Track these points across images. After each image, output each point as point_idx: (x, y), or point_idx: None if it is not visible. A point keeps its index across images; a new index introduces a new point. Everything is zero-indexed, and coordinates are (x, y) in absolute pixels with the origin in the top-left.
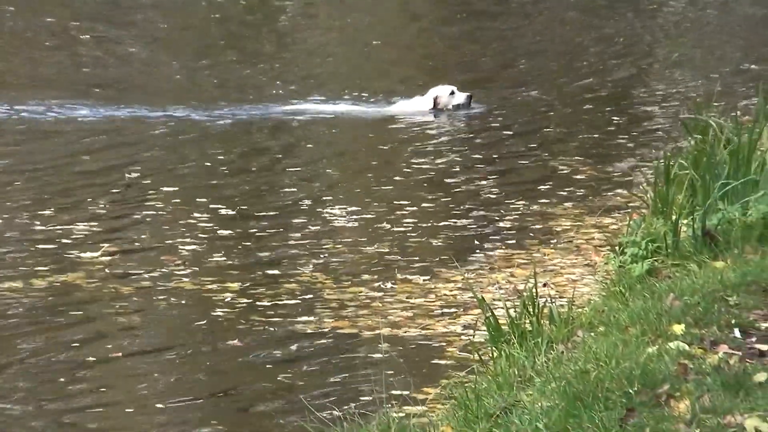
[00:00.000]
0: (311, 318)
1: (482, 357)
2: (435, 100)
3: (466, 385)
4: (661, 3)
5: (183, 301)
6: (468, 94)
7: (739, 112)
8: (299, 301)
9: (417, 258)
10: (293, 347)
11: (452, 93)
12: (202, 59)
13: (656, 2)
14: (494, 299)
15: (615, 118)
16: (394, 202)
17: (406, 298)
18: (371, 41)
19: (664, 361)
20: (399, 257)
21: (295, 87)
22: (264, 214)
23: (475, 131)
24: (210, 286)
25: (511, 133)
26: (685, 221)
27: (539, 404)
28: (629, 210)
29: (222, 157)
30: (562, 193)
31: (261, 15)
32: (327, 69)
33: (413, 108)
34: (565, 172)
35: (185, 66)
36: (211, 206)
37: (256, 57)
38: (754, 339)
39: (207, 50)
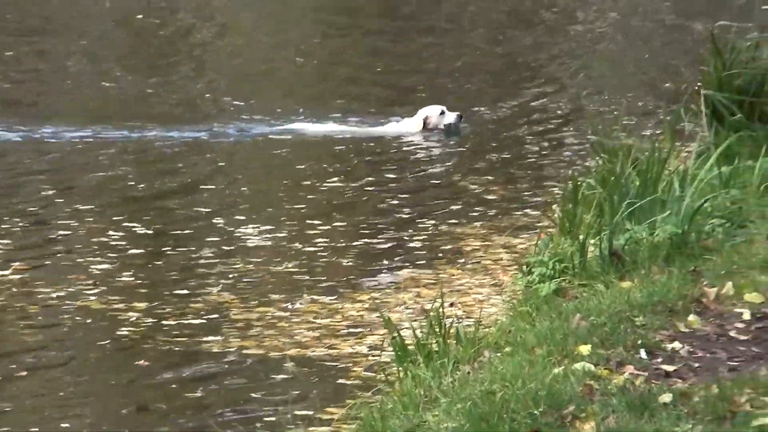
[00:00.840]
0: (217, 338)
1: (388, 377)
2: (425, 120)
3: (372, 405)
4: (570, 19)
5: (89, 320)
6: (458, 113)
7: (648, 132)
8: (205, 321)
9: (325, 278)
10: (199, 367)
11: (442, 113)
12: (129, 76)
13: (565, 19)
14: (401, 319)
15: (526, 137)
16: (307, 221)
17: (313, 318)
18: (294, 58)
19: (569, 381)
20: (307, 277)
21: (231, 105)
22: (177, 233)
23: (388, 151)
24: (117, 305)
25: (423, 153)
26: (592, 241)
27: (445, 425)
28: (537, 230)
29: (140, 177)
30: (472, 213)
31: (176, 33)
32: (260, 87)
33: (402, 129)
34: (476, 191)
35: (113, 82)
36: (124, 225)
37: (176, 75)
38: (660, 360)
39: (130, 66)
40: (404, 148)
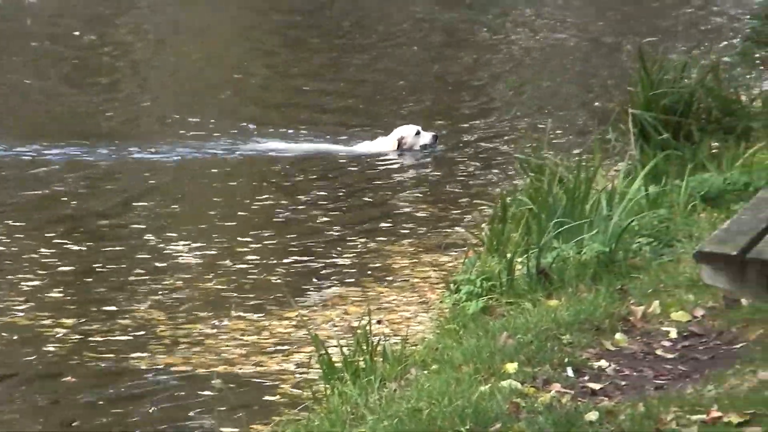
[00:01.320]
0: (144, 355)
1: (315, 394)
2: (400, 141)
3: (299, 422)
4: (503, 38)
5: (15, 337)
6: (434, 133)
7: (578, 150)
8: (132, 338)
9: (253, 295)
10: (125, 384)
11: (418, 133)
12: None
13: (499, 38)
14: (328, 337)
15: (457, 155)
16: (239, 239)
17: (240, 335)
18: (233, 76)
19: (496, 399)
20: (235, 294)
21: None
22: (109, 250)
23: (320, 168)
24: (44, 322)
25: (355, 169)
26: (519, 259)
27: None
28: (466, 248)
29: (76, 194)
30: (401, 230)
31: (115, 50)
32: (204, 105)
33: (375, 149)
34: (406, 209)
35: (52, 99)
36: (56, 242)
37: (117, 92)
38: (586, 377)
39: (70, 83)
40: (344, 168)
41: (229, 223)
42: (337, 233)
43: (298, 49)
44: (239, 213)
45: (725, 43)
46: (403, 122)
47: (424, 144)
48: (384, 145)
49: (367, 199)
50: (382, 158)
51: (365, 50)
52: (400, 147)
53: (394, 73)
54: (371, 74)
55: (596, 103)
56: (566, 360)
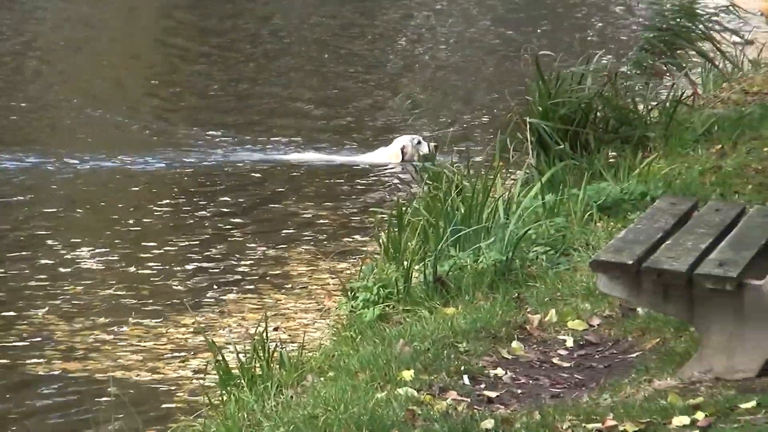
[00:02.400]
0: (41, 360)
1: (212, 401)
2: (402, 150)
3: (195, 428)
4: (406, 42)
5: None
6: (435, 144)
7: (477, 158)
8: (29, 343)
9: (152, 301)
10: (21, 389)
11: (419, 142)
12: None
13: (397, 42)
14: (225, 343)
15: (356, 161)
16: (142, 244)
17: (138, 341)
18: (149, 81)
19: (392, 407)
20: (135, 300)
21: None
22: (10, 255)
23: (229, 173)
24: None
25: (258, 175)
26: (417, 267)
27: None
28: (363, 255)
29: None
30: (300, 237)
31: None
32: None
33: (378, 160)
34: (305, 216)
35: None
36: None
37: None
38: (482, 386)
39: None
40: (249, 176)
41: (134, 229)
42: (238, 240)
43: (184, 53)
44: (145, 220)
45: (626, 53)
46: (300, 127)
47: (425, 154)
48: (387, 156)
49: (270, 206)
50: (285, 166)
51: (262, 60)
52: (403, 158)
53: (288, 74)
54: (265, 79)
55: (495, 111)
56: (463, 368)
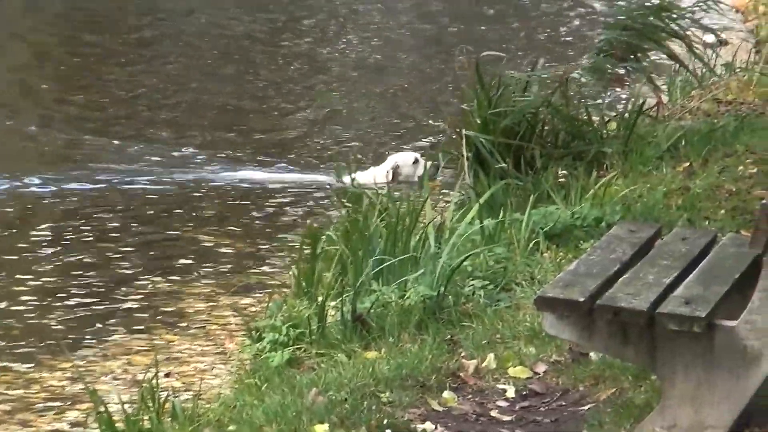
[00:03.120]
0: None
1: None
2: (394, 170)
3: None
4: (329, 48)
5: None
6: (436, 163)
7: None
8: None
9: (24, 342)
10: None
11: (416, 161)
12: None
13: (321, 48)
14: (108, 391)
15: (265, 181)
16: (17, 276)
17: (6, 389)
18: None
19: None
20: (2, 341)
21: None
22: None
23: (119, 200)
24: None
25: (154, 196)
26: (333, 303)
27: None
28: (271, 289)
29: None
30: (200, 269)
31: None
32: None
33: (369, 179)
34: (207, 245)
35: None
36: None
37: None
38: None
39: None
40: (143, 197)
41: (7, 258)
42: (127, 271)
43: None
44: (20, 245)
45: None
46: (187, 142)
47: (420, 174)
48: (373, 175)
49: (166, 233)
50: (181, 188)
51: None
52: (395, 178)
53: (181, 80)
54: (151, 84)
55: (426, 124)
56: (386, 422)
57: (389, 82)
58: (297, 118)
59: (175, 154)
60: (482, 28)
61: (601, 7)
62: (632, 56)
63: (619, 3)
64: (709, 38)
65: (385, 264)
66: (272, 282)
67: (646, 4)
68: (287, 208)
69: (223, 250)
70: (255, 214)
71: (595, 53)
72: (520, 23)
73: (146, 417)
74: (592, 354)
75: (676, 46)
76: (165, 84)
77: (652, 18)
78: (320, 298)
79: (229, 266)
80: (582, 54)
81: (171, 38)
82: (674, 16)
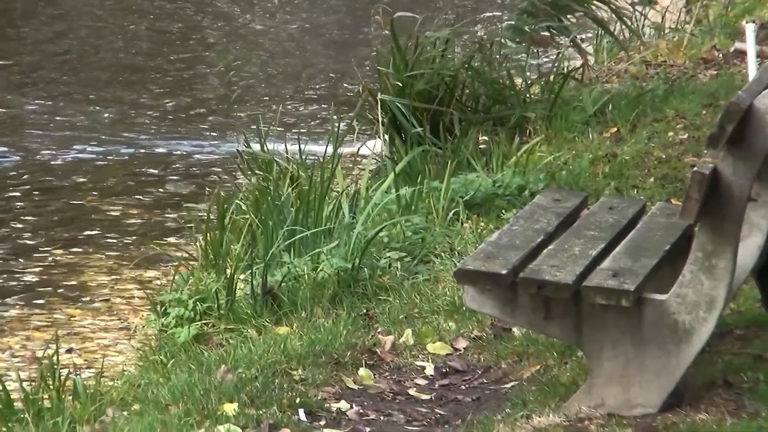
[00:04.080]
0: None
1: None
2: None
3: None
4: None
5: None
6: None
7: (318, 144)
8: None
9: None
10: None
11: None
12: None
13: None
14: (6, 369)
15: (170, 150)
16: None
17: None
18: None
19: None
20: None
21: None
22: None
23: (21, 166)
24: None
25: (57, 164)
26: (242, 276)
27: None
28: (177, 261)
29: None
30: (104, 241)
31: None
32: None
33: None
34: (113, 215)
35: None
36: None
37: None
38: (323, 422)
39: None
40: (46, 165)
41: None
42: (27, 242)
43: None
44: None
45: (500, 14)
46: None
47: None
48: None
49: (69, 203)
50: (86, 156)
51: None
52: None
53: (88, 55)
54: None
55: (341, 88)
56: (298, 400)
57: (305, 46)
58: (209, 83)
59: (82, 120)
60: None
61: None
62: (555, 17)
63: None
64: None
65: (297, 235)
66: (178, 254)
67: None
68: (197, 177)
69: (128, 221)
70: (162, 183)
71: (516, 13)
72: None
73: (46, 395)
74: (515, 329)
75: (603, 6)
76: (71, 50)
77: None
78: (229, 271)
79: (134, 238)
80: (504, 13)
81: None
82: None
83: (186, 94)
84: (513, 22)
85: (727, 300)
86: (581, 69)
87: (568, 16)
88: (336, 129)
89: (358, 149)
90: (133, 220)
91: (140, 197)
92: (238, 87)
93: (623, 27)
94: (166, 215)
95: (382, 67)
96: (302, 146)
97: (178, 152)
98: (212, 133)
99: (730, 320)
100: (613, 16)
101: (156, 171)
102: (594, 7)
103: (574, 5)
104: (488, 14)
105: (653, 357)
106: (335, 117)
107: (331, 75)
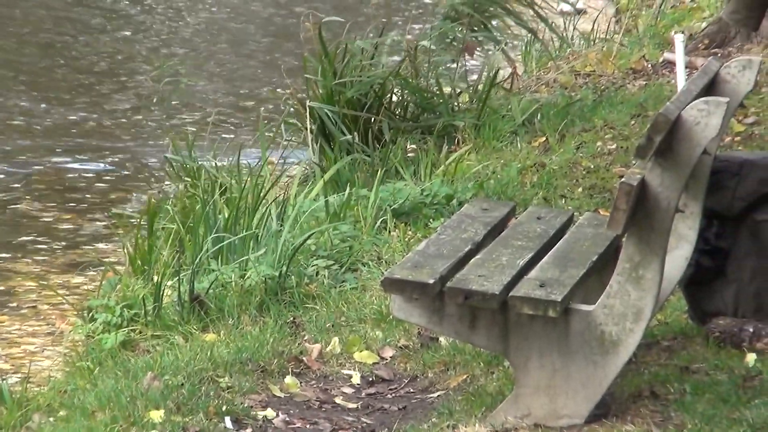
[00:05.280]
0: None
1: None
2: None
3: None
4: (160, 14)
5: None
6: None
7: (247, 151)
8: None
9: None
10: None
11: None
12: None
13: (149, 14)
14: None
15: (102, 154)
16: None
17: None
18: None
19: None
20: None
21: None
22: None
23: None
24: None
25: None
26: (170, 283)
27: None
28: (105, 267)
29: None
30: (32, 246)
31: None
32: None
33: None
34: (44, 220)
35: None
36: None
37: None
38: (249, 430)
39: None
40: None
41: None
42: None
43: None
44: None
45: (429, 23)
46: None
47: None
48: None
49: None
50: (14, 160)
51: None
52: None
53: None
54: None
55: (270, 97)
56: (224, 408)
57: (234, 51)
58: (138, 90)
59: (18, 125)
60: None
61: None
62: (483, 23)
63: None
64: (566, 6)
65: (225, 242)
66: (107, 259)
67: None
68: (127, 182)
69: (57, 225)
70: (92, 188)
71: (442, 19)
72: None
73: None
74: (442, 339)
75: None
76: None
77: None
78: (156, 278)
79: (63, 243)
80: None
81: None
82: None
83: (115, 101)
84: (439, 29)
85: (654, 311)
86: (510, 77)
87: (495, 23)
88: (264, 136)
89: (282, 156)
90: (60, 225)
91: (69, 203)
92: (166, 93)
93: (552, 35)
94: (97, 221)
95: (311, 74)
96: (231, 154)
97: (108, 158)
98: (142, 140)
99: (657, 331)
100: (542, 24)
101: (86, 176)
102: (523, 15)
103: (499, 11)
104: (416, 25)
105: (580, 367)
106: (264, 122)
107: (260, 82)
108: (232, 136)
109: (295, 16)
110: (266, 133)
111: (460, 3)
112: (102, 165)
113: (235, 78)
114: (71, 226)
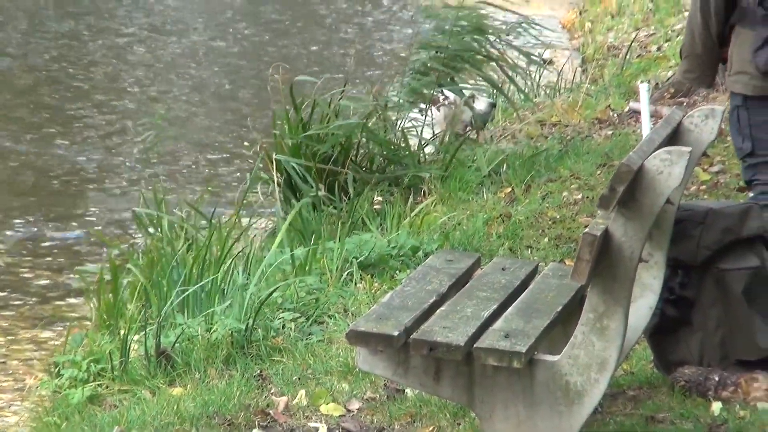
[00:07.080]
0: None
1: None
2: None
3: None
4: (131, 65)
5: None
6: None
7: (220, 202)
8: None
9: None
10: None
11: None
12: None
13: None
14: None
15: (73, 205)
16: None
17: None
18: None
19: None
20: None
21: None
22: None
23: None
24: None
25: None
26: (136, 337)
27: None
28: (70, 323)
29: None
30: (4, 301)
31: None
32: None
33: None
34: (7, 276)
35: None
36: None
37: None
38: None
39: None
40: None
41: None
42: None
43: None
44: None
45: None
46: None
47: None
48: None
49: None
50: None
51: None
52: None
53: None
54: None
55: (238, 150)
56: None
57: (204, 103)
58: (106, 143)
59: None
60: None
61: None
62: (449, 78)
63: (428, 21)
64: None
65: (187, 293)
66: (75, 315)
67: (462, 23)
68: (95, 236)
69: (27, 280)
70: (61, 242)
71: (410, 73)
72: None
73: None
74: (408, 390)
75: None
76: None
77: (467, 39)
78: (123, 332)
79: (33, 298)
80: (398, 73)
81: None
82: (490, 38)
83: (83, 154)
84: (406, 84)
85: (618, 361)
86: (476, 129)
87: (462, 75)
88: (239, 191)
89: (250, 210)
90: (29, 280)
91: (39, 257)
92: (137, 145)
93: (516, 89)
94: (65, 275)
95: (279, 128)
96: (198, 206)
97: (80, 210)
98: (112, 192)
99: (622, 381)
100: (506, 78)
101: (56, 229)
102: (488, 68)
103: (467, 66)
104: (380, 72)
105: (545, 418)
106: (231, 175)
107: (229, 136)
108: (201, 189)
109: (267, 66)
110: (235, 186)
111: (429, 59)
112: (74, 217)
113: (206, 130)
114: (45, 282)
